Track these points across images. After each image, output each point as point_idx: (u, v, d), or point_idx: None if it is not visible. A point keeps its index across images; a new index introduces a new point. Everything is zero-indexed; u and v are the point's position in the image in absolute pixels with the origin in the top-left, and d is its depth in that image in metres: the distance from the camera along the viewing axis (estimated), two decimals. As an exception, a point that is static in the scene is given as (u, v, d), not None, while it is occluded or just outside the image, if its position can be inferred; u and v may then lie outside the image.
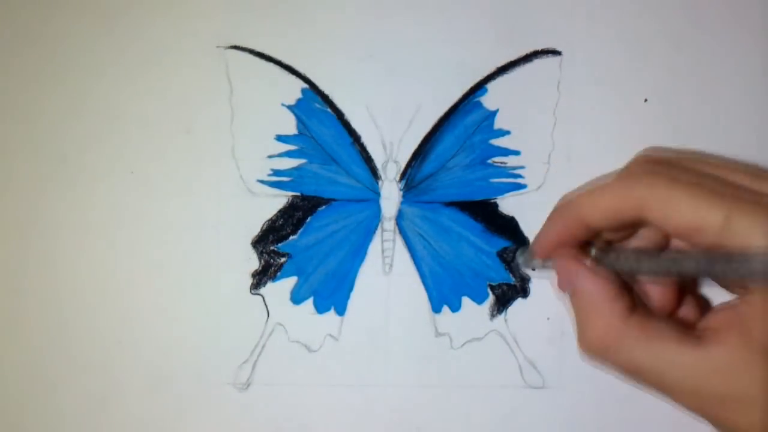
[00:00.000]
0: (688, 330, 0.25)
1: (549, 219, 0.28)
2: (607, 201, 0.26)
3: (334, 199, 0.35)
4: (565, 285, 0.27)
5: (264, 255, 0.35)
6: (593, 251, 0.27)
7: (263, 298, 0.35)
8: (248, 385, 0.34)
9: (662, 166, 0.25)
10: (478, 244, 0.35)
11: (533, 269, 0.30)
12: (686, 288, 0.29)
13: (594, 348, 0.26)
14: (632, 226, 0.27)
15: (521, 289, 0.35)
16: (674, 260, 0.24)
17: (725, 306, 0.24)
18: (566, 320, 0.34)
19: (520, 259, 0.33)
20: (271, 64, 0.35)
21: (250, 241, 0.35)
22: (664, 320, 0.25)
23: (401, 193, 0.35)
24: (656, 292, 0.28)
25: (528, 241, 0.35)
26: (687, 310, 0.28)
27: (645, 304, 0.27)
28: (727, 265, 0.21)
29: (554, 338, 0.35)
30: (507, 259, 0.35)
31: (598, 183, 0.27)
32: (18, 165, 0.35)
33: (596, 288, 0.26)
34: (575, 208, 0.27)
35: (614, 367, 0.26)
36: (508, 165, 0.35)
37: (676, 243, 0.27)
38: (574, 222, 0.27)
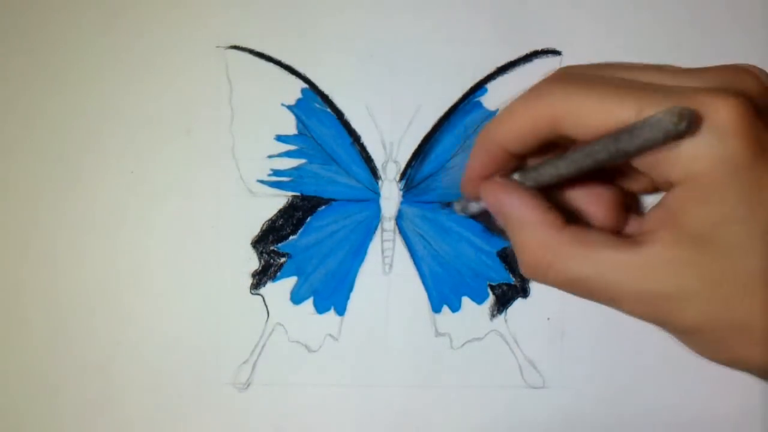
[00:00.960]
0: (622, 236, 0.24)
1: (471, 153, 0.27)
2: (519, 119, 0.25)
3: (334, 199, 0.35)
4: (496, 211, 0.26)
5: (264, 255, 0.35)
6: (515, 175, 0.26)
7: (263, 298, 0.35)
8: (248, 385, 0.34)
9: (572, 76, 0.25)
10: (478, 244, 0.35)
11: (470, 215, 0.30)
12: (628, 208, 0.28)
13: (533, 267, 0.25)
14: (552, 145, 0.26)
15: (521, 289, 0.35)
16: (586, 153, 0.24)
17: (656, 206, 0.24)
18: (566, 320, 0.34)
19: (456, 207, 0.33)
20: (271, 65, 0.35)
21: (250, 241, 0.35)
22: (598, 230, 0.24)
23: (401, 193, 0.35)
24: (597, 213, 0.27)
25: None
26: (632, 227, 0.27)
27: (579, 218, 0.27)
28: (631, 136, 0.21)
29: (554, 338, 0.35)
30: (507, 259, 0.35)
31: (509, 102, 0.26)
32: (18, 165, 0.35)
33: (524, 205, 0.25)
34: (491, 135, 0.26)
35: (557, 283, 0.25)
36: (508, 165, 0.35)
37: None
38: (493, 150, 0.26)
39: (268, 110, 0.35)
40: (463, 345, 0.35)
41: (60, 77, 0.35)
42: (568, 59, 0.35)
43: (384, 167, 0.35)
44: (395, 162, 0.35)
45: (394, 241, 0.35)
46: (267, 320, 0.35)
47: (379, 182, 0.35)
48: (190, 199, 0.35)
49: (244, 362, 0.34)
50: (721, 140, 0.20)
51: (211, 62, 0.35)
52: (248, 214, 0.35)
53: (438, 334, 0.35)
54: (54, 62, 0.35)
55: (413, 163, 0.35)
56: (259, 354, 0.34)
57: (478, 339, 0.35)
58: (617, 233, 0.25)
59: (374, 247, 0.35)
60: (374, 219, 0.35)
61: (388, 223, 0.35)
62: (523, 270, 0.26)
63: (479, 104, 0.35)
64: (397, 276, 0.35)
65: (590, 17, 0.35)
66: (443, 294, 0.35)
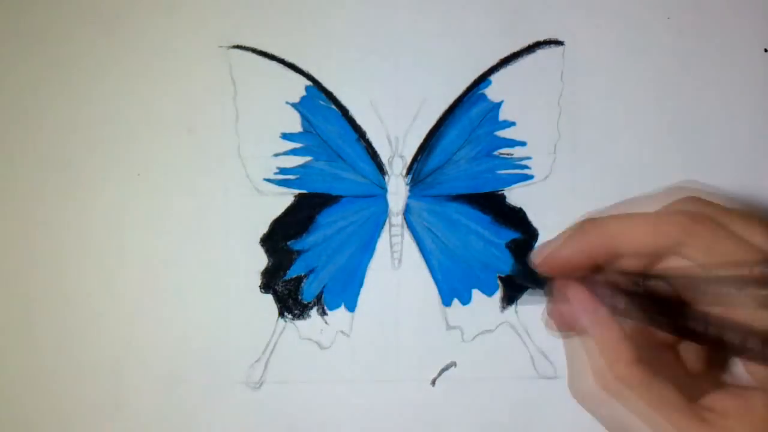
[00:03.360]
0: (690, 402, 0.22)
1: (569, 234, 0.25)
2: (646, 229, 0.23)
3: (341, 196, 0.35)
4: (571, 320, 0.24)
5: (273, 253, 0.35)
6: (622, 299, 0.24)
7: (273, 296, 0.35)
8: (261, 384, 0.34)
9: (703, 200, 0.24)
10: (487, 236, 0.35)
11: (527, 285, 0.27)
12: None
13: (587, 391, 0.24)
14: (662, 253, 0.24)
15: (531, 280, 0.35)
16: (719, 328, 0.22)
17: (739, 391, 0.22)
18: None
19: (518, 274, 0.32)
20: (275, 63, 0.35)
21: (258, 239, 0.35)
22: (669, 381, 0.23)
23: (408, 187, 0.35)
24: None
25: (535, 230, 0.35)
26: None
27: (657, 355, 0.25)
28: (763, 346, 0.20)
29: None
30: (516, 251, 0.35)
31: (633, 210, 0.24)
32: (23, 168, 0.35)
33: (606, 329, 0.23)
34: (606, 229, 0.24)
35: (603, 416, 0.24)
36: (514, 156, 0.35)
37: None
38: (600, 243, 0.24)
39: (273, 109, 0.35)
40: (475, 337, 0.35)
41: (63, 80, 0.35)
42: (570, 49, 0.35)
43: (390, 162, 0.35)
44: (401, 157, 0.35)
45: (402, 235, 0.35)
46: (278, 318, 0.35)
47: (386, 177, 0.35)
48: (198, 199, 0.35)
49: (256, 361, 0.34)
50: None
51: (214, 62, 0.35)
52: (256, 213, 0.35)
53: (449, 327, 0.35)
54: (57, 65, 0.35)
55: (419, 158, 0.35)
56: (271, 352, 0.34)
57: (490, 331, 0.35)
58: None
59: (383, 243, 0.35)
60: (382, 214, 0.35)
61: (396, 218, 0.35)
62: (574, 389, 0.24)
63: (484, 96, 0.35)
64: (407, 270, 0.35)
65: (592, 6, 0.35)
66: (453, 287, 0.35)
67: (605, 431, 0.32)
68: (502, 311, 0.35)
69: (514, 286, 0.35)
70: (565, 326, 0.25)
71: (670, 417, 0.22)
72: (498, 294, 0.35)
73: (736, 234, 0.22)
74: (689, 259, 0.23)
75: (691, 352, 0.26)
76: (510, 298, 0.35)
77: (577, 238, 0.25)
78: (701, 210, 0.23)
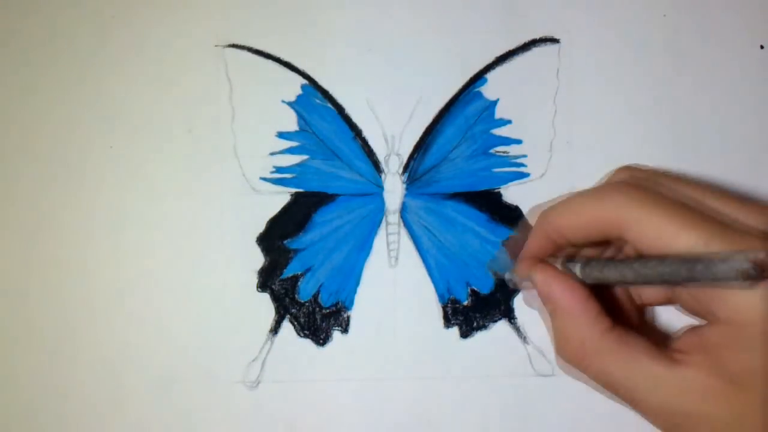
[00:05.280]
0: (661, 348, 0.25)
1: (530, 234, 0.29)
2: (582, 217, 0.26)
3: (337, 195, 0.35)
4: (545, 296, 0.28)
5: (270, 252, 0.35)
6: (575, 268, 0.28)
7: (270, 295, 0.35)
8: (258, 383, 0.34)
9: (639, 187, 0.26)
10: (483, 234, 0.35)
11: (509, 282, 0.31)
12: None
13: (571, 356, 0.27)
14: (609, 240, 0.27)
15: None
16: (654, 270, 0.24)
17: (696, 330, 0.25)
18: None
19: (492, 267, 0.34)
20: (270, 62, 0.35)
21: (255, 238, 0.35)
22: (640, 337, 0.26)
23: (404, 185, 0.35)
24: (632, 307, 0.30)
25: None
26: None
27: (622, 320, 0.28)
28: (706, 268, 0.22)
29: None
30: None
31: (576, 196, 0.27)
32: (20, 168, 0.35)
33: (575, 298, 0.26)
34: (553, 221, 0.27)
35: (590, 375, 0.27)
36: (510, 154, 0.35)
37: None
38: (553, 235, 0.28)
39: (269, 107, 0.35)
40: (472, 335, 0.35)
41: (59, 80, 0.35)
42: (566, 47, 0.35)
43: (386, 161, 0.35)
44: (397, 155, 0.35)
45: (399, 234, 0.35)
46: (275, 317, 0.35)
47: (382, 176, 0.35)
48: (194, 198, 0.35)
49: (254, 360, 0.34)
50: None
51: (210, 61, 0.35)
52: (252, 212, 0.35)
53: (446, 325, 0.35)
54: (54, 64, 0.35)
55: (415, 156, 0.35)
56: (268, 351, 0.34)
57: (486, 329, 0.35)
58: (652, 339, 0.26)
59: (379, 241, 0.35)
60: (378, 213, 0.35)
61: (393, 216, 0.35)
62: (560, 355, 0.27)
63: (479, 94, 0.35)
64: (404, 269, 0.35)
65: (588, 4, 0.35)
66: (450, 285, 0.35)
67: (601, 428, 0.32)
68: (498, 309, 0.35)
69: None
70: (544, 299, 0.28)
71: (648, 366, 0.24)
72: (494, 292, 0.35)
73: (669, 206, 0.24)
74: (629, 241, 0.25)
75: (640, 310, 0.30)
76: (506, 295, 0.35)
77: (534, 234, 0.29)
78: (635, 186, 0.26)
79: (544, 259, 0.29)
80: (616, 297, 0.30)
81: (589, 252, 0.29)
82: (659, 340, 0.26)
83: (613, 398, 0.27)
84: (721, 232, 0.23)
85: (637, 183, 0.27)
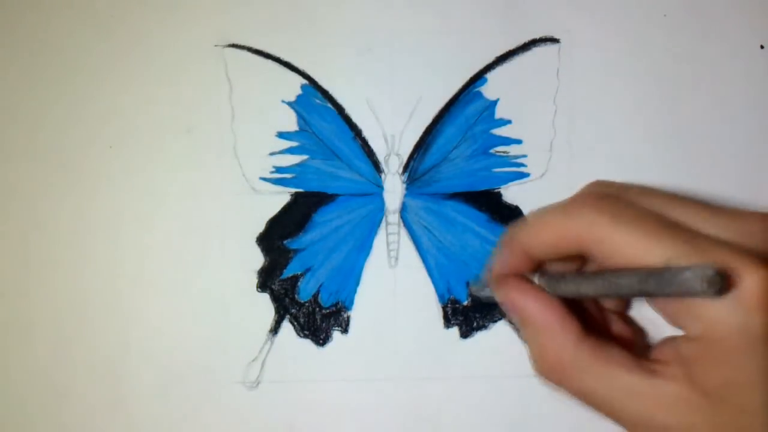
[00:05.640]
0: (638, 359, 0.25)
1: (498, 250, 0.29)
2: (548, 234, 0.26)
3: (337, 195, 0.35)
4: (513, 312, 0.27)
5: (270, 252, 0.35)
6: (536, 280, 0.27)
7: (270, 295, 0.35)
8: (258, 383, 0.34)
9: (606, 201, 0.25)
10: (483, 234, 0.35)
11: (486, 298, 0.30)
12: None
13: (548, 374, 0.26)
14: (577, 257, 0.27)
15: (528, 278, 0.35)
16: (610, 283, 0.24)
17: (672, 341, 0.25)
18: (574, 307, 0.34)
19: (472, 289, 0.34)
20: (270, 61, 0.35)
21: (255, 238, 0.35)
22: (616, 347, 0.25)
23: (404, 185, 0.35)
24: (611, 319, 0.30)
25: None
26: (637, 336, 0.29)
27: (596, 330, 0.27)
28: (659, 284, 0.22)
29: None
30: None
31: (542, 212, 0.27)
32: (19, 168, 0.35)
33: (545, 315, 0.26)
34: (518, 239, 0.27)
35: (568, 390, 0.26)
36: (510, 154, 0.35)
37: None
38: (519, 253, 0.27)
39: (269, 107, 0.35)
40: (472, 335, 0.35)
41: (59, 80, 0.35)
42: (566, 46, 0.35)
43: (386, 161, 0.35)
44: (397, 155, 0.35)
45: (399, 234, 0.35)
46: (275, 317, 0.35)
47: (382, 176, 0.35)
48: (194, 198, 0.35)
49: (253, 360, 0.34)
50: (745, 311, 0.21)
51: (210, 62, 0.35)
52: (252, 212, 0.35)
53: (446, 325, 0.35)
54: (53, 64, 0.35)
55: (415, 156, 0.35)
56: (268, 351, 0.34)
57: (486, 329, 0.35)
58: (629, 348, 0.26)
59: (379, 241, 0.35)
60: (378, 212, 0.35)
61: (393, 216, 0.35)
62: (537, 372, 0.27)
63: (479, 94, 0.35)
64: (404, 269, 0.35)
65: (588, 4, 0.35)
66: (450, 285, 0.35)
67: (600, 428, 0.32)
68: (498, 309, 0.35)
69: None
70: (515, 315, 0.27)
71: (625, 377, 0.24)
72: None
73: (632, 222, 0.24)
74: (594, 258, 0.25)
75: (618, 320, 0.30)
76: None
77: (501, 251, 0.28)
78: (599, 202, 0.25)
79: (516, 275, 0.28)
80: (586, 306, 0.29)
81: (557, 267, 0.29)
82: (636, 347, 0.26)
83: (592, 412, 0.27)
84: (693, 244, 0.23)
85: (606, 196, 0.26)
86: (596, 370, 0.25)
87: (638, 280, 0.23)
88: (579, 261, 0.29)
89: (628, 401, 0.24)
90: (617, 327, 0.30)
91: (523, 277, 0.28)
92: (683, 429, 0.23)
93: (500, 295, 0.28)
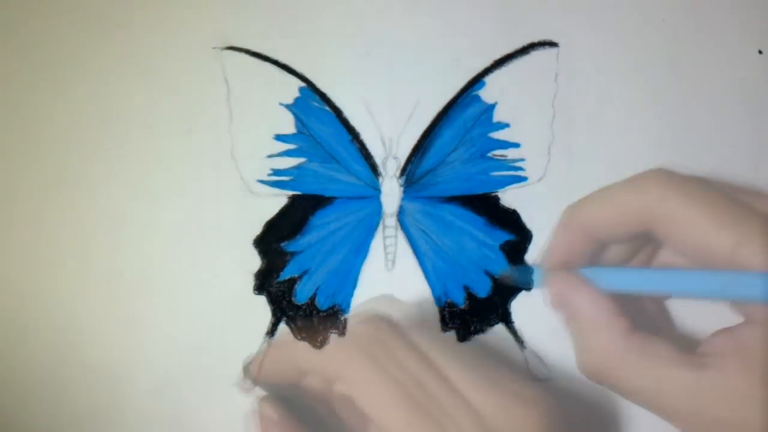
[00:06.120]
0: (688, 353, 0.24)
1: (556, 232, 0.28)
2: (615, 208, 0.25)
3: (334, 197, 0.35)
4: (563, 306, 0.27)
5: (266, 255, 0.35)
6: (591, 272, 0.27)
7: (267, 297, 0.35)
8: (254, 386, 0.34)
9: (677, 178, 0.25)
10: (481, 237, 0.35)
11: (522, 284, 0.30)
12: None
13: (594, 369, 0.26)
14: (641, 237, 0.26)
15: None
16: (683, 286, 0.24)
17: (725, 331, 0.24)
18: (571, 311, 0.34)
19: (506, 275, 0.33)
20: (268, 64, 0.35)
21: (251, 241, 0.35)
22: (664, 342, 0.25)
23: (402, 189, 0.35)
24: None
25: (529, 232, 0.35)
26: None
27: (641, 322, 0.27)
28: (729, 287, 0.21)
29: (559, 330, 0.34)
30: (510, 252, 0.35)
31: (608, 188, 0.26)
32: (19, 170, 0.35)
33: (593, 311, 0.26)
34: (581, 216, 0.26)
35: (615, 388, 0.26)
36: (508, 158, 0.35)
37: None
38: (580, 233, 0.27)
39: (267, 110, 0.35)
40: (469, 339, 0.34)
41: (57, 82, 0.35)
42: (565, 50, 0.35)
43: (384, 164, 0.35)
44: (395, 158, 0.35)
45: (396, 237, 0.35)
46: (271, 320, 0.35)
47: (380, 179, 0.35)
48: (191, 200, 0.35)
49: (250, 362, 0.34)
50: None
51: (207, 64, 0.35)
52: (250, 214, 0.35)
53: (443, 329, 0.34)
54: (51, 66, 0.35)
55: (413, 159, 0.35)
56: (266, 354, 0.34)
57: (484, 333, 0.35)
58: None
59: (376, 244, 0.35)
60: (376, 216, 0.35)
61: (390, 220, 0.35)
62: (582, 368, 0.26)
63: (478, 98, 0.35)
64: (400, 272, 0.35)
65: (587, 8, 0.35)
66: (447, 288, 0.35)
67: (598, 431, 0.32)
68: (495, 313, 0.35)
69: (508, 289, 0.35)
70: (562, 309, 0.27)
71: (675, 372, 0.23)
72: (491, 296, 0.35)
73: (702, 204, 0.24)
74: (660, 238, 0.25)
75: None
76: (504, 300, 0.34)
77: (560, 233, 0.28)
78: (668, 181, 0.25)
79: (566, 265, 0.27)
80: (635, 298, 0.29)
81: (617, 251, 0.28)
82: (684, 343, 0.26)
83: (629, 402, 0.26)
84: (751, 234, 0.22)
85: (670, 177, 0.26)
86: (644, 366, 0.24)
87: (717, 287, 0.22)
88: (642, 244, 0.28)
89: (678, 395, 0.23)
90: (660, 320, 0.29)
91: (571, 270, 0.27)
92: (736, 423, 0.22)
93: (549, 288, 0.27)
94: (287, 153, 0.35)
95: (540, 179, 0.35)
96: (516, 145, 0.35)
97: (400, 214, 0.35)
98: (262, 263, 0.35)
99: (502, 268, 0.34)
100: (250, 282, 0.35)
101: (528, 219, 0.35)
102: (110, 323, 0.34)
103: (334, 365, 0.26)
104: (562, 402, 0.34)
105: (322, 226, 0.35)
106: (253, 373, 0.31)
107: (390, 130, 0.35)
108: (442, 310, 0.35)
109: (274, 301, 0.35)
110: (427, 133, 0.35)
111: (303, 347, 0.27)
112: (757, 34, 0.35)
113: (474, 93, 0.35)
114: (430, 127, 0.35)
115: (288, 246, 0.35)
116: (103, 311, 0.34)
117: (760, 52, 0.35)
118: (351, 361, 0.25)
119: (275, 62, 0.35)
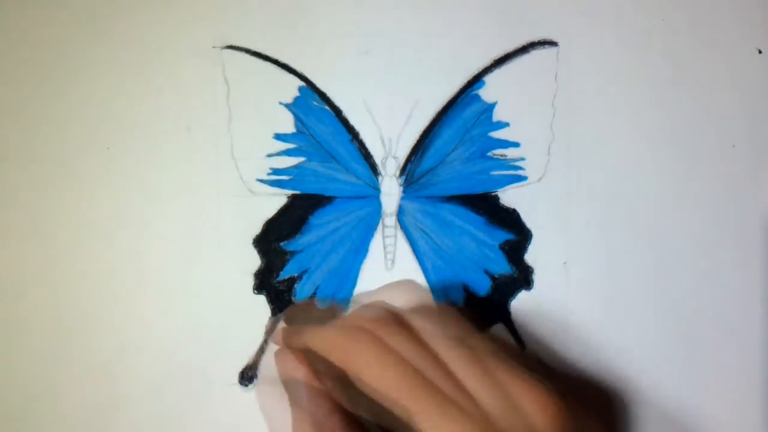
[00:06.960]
0: None
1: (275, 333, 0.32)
2: (323, 346, 0.27)
3: (334, 197, 0.35)
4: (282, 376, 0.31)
5: (266, 254, 0.35)
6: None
7: (266, 297, 0.35)
8: (254, 385, 0.34)
9: (377, 339, 0.26)
10: (480, 237, 0.35)
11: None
12: None
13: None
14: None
15: (525, 281, 0.35)
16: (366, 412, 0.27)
17: None
18: (571, 312, 0.34)
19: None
20: (268, 63, 0.35)
21: (251, 240, 0.35)
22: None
23: (401, 188, 0.35)
24: None
25: (529, 232, 0.35)
26: None
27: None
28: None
29: (558, 330, 0.35)
30: (510, 252, 0.35)
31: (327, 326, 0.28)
32: (17, 168, 0.35)
33: (308, 386, 0.29)
34: (297, 342, 0.30)
35: None
36: (508, 157, 0.35)
37: None
38: (303, 347, 0.29)
39: (266, 109, 0.35)
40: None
41: (57, 80, 0.35)
42: (564, 49, 0.35)
43: (383, 163, 0.35)
44: (395, 157, 0.35)
45: (395, 236, 0.35)
46: (271, 319, 0.35)
47: (379, 178, 0.35)
48: (191, 200, 0.35)
49: (250, 362, 0.34)
50: None
51: (207, 63, 0.35)
52: (249, 214, 0.35)
53: (442, 328, 0.34)
54: (50, 65, 0.35)
55: (413, 158, 0.35)
56: (264, 353, 0.34)
57: (483, 332, 0.35)
58: None
59: (376, 244, 0.35)
60: (375, 215, 0.35)
61: (389, 219, 0.35)
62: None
63: (477, 97, 0.35)
64: (400, 271, 0.35)
65: (587, 7, 0.35)
66: (446, 288, 0.35)
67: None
68: (495, 312, 0.35)
69: (508, 288, 0.35)
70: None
71: None
72: (491, 295, 0.35)
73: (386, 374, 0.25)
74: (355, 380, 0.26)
75: None
76: (503, 298, 0.35)
77: (280, 354, 0.32)
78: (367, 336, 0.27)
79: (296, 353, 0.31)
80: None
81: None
82: None
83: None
84: (439, 413, 0.24)
85: (389, 323, 0.27)
86: None
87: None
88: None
89: None
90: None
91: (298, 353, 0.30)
92: None
93: (277, 364, 0.31)
94: (287, 152, 0.35)
95: (540, 179, 0.35)
96: (516, 145, 0.35)
97: (400, 214, 0.35)
98: (262, 263, 0.35)
99: (501, 267, 0.35)
100: (249, 281, 0.35)
101: (528, 218, 0.35)
102: (108, 322, 0.34)
103: (337, 351, 0.27)
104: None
105: (321, 225, 0.35)
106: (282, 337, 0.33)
107: (390, 130, 0.35)
108: (441, 310, 0.35)
109: (273, 301, 0.35)
110: (427, 133, 0.35)
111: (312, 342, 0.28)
112: (757, 33, 0.35)
113: (474, 92, 0.35)
114: (430, 126, 0.35)
115: (288, 245, 0.35)
116: (101, 310, 0.34)
117: (760, 51, 0.35)
118: (356, 343, 0.26)
119: (275, 61, 0.35)
